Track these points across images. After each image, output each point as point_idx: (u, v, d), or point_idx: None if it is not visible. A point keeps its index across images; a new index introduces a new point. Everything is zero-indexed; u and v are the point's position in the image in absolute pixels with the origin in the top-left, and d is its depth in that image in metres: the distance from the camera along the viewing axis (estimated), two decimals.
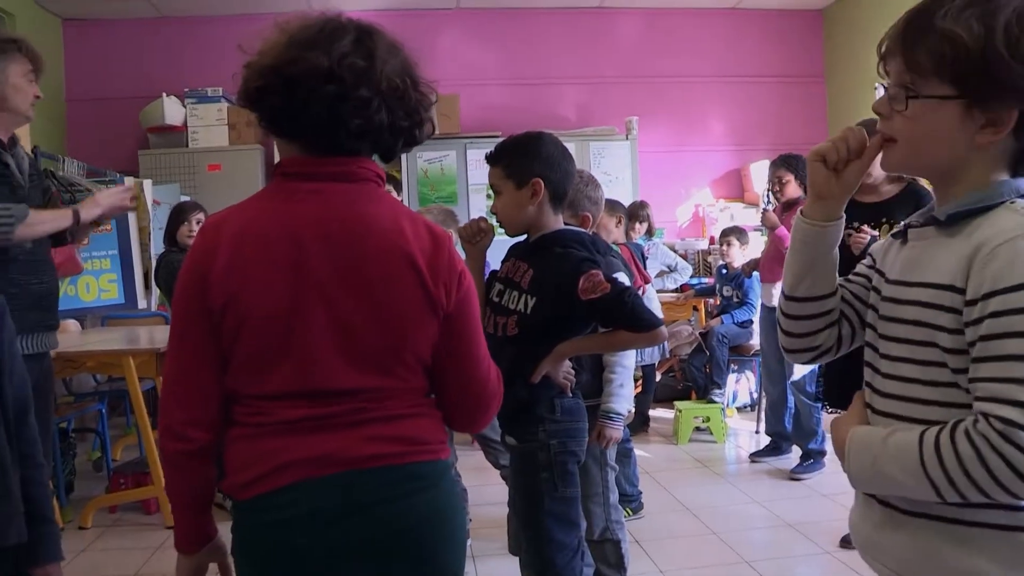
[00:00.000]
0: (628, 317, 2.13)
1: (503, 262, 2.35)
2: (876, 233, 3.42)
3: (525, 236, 2.30)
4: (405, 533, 1.37)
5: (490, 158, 2.26)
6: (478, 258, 2.36)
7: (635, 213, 5.78)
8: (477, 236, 2.34)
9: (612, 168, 6.73)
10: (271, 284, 1.33)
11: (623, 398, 2.86)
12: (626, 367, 2.88)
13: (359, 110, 1.35)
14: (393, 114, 1.39)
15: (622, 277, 2.79)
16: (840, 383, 3.58)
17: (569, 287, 2.11)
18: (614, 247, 3.63)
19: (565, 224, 2.34)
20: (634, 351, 2.90)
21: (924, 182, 3.65)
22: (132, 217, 5.19)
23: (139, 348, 4.25)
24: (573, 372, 2.25)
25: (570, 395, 2.25)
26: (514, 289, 2.24)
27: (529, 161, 2.20)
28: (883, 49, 1.20)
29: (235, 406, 1.38)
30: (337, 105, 1.34)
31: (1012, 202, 1.12)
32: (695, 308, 6.54)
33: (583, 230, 2.37)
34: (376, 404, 1.37)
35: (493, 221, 2.36)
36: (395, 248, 1.37)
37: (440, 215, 3.92)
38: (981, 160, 1.15)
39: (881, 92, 1.23)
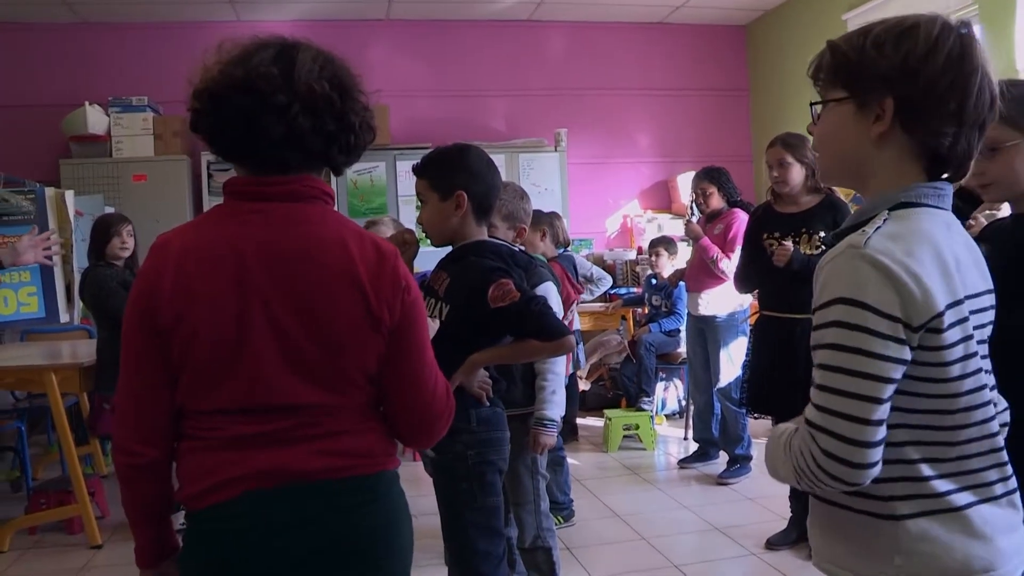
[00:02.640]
0: (534, 326, 2.16)
1: (432, 272, 2.38)
2: (791, 245, 3.53)
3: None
4: (351, 545, 1.40)
5: (417, 169, 2.28)
6: None
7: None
8: (402, 248, 2.36)
9: (541, 179, 6.80)
10: (217, 303, 1.37)
11: (556, 405, 2.90)
12: (557, 374, 2.93)
13: (278, 117, 1.37)
14: (317, 119, 1.40)
15: (546, 289, 2.84)
16: (763, 390, 3.69)
17: (479, 294, 2.14)
18: (541, 258, 3.69)
19: (494, 237, 2.38)
20: (563, 359, 2.94)
21: (841, 193, 3.80)
22: (53, 228, 5.06)
23: (61, 363, 4.15)
24: (490, 382, 2.26)
25: (487, 404, 2.26)
26: (432, 297, 2.27)
27: (454, 173, 2.23)
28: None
29: (186, 420, 1.42)
30: (256, 114, 1.37)
31: (880, 217, 1.23)
32: (623, 317, 6.64)
33: (503, 242, 2.39)
34: (323, 419, 1.40)
35: (419, 231, 2.38)
36: (338, 268, 1.39)
37: (391, 223, 3.96)
38: (886, 161, 1.26)
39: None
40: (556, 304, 2.92)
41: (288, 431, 1.38)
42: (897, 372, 1.15)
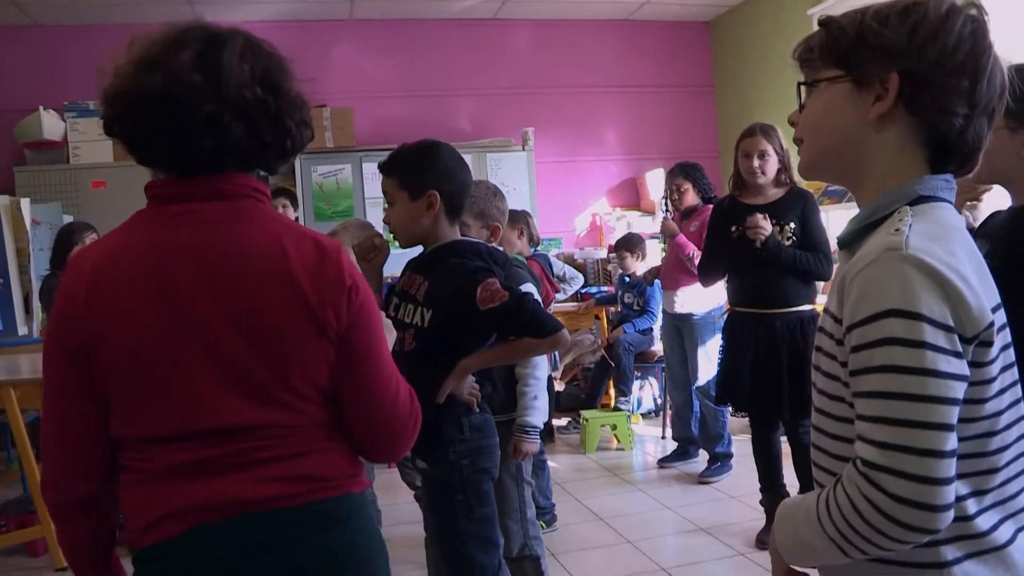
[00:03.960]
0: (529, 323, 2.09)
1: (400, 276, 2.29)
2: (768, 225, 3.45)
3: (421, 249, 2.24)
4: None
5: (384, 167, 2.18)
6: (375, 275, 2.30)
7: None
8: (371, 253, 2.29)
9: (509, 179, 6.71)
10: (137, 320, 1.23)
11: (538, 411, 2.83)
12: (539, 379, 2.85)
13: (208, 129, 1.24)
14: (252, 126, 1.28)
15: (528, 288, 2.76)
16: (739, 388, 3.64)
17: (466, 297, 2.06)
18: (520, 258, 3.61)
19: (465, 235, 2.30)
20: (545, 362, 2.87)
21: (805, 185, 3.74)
22: (8, 237, 4.90)
23: (21, 378, 4.00)
24: (478, 387, 2.19)
25: (477, 411, 2.18)
26: (410, 302, 2.18)
27: (425, 172, 2.13)
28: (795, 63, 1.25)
29: (123, 451, 1.29)
30: (182, 126, 1.24)
31: (898, 213, 1.09)
32: (596, 317, 6.58)
33: (479, 241, 2.31)
34: (272, 442, 1.26)
35: (386, 232, 2.29)
36: (273, 270, 1.26)
37: (357, 229, 3.84)
38: (885, 148, 1.13)
39: None
40: None
41: (231, 456, 1.24)
42: (962, 392, 1.00)
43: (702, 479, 4.65)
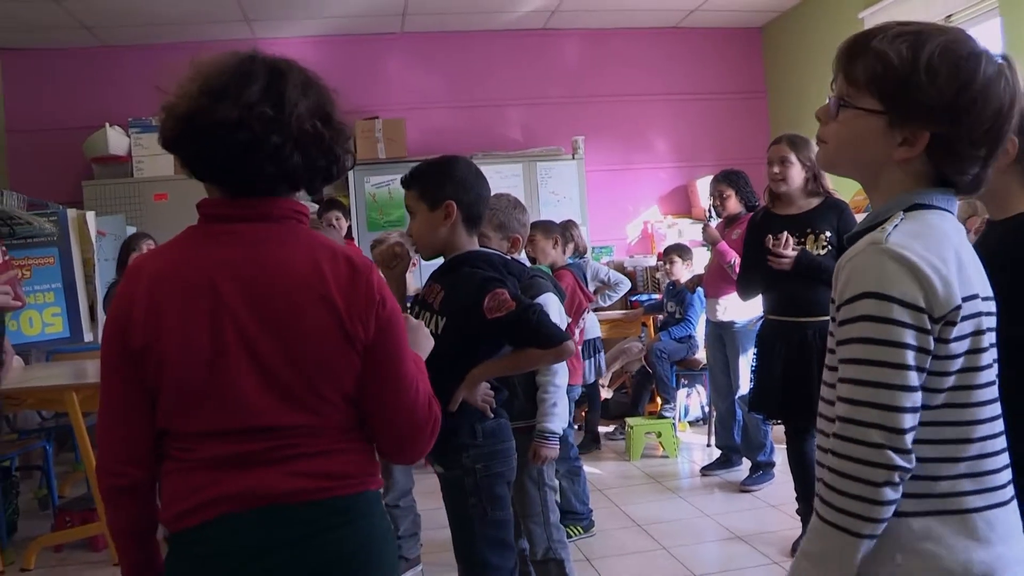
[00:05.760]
0: (533, 334, 2.15)
1: (424, 285, 2.38)
2: (791, 248, 3.46)
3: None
4: (327, 568, 1.39)
5: (405, 181, 2.28)
6: (397, 283, 2.39)
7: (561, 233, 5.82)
8: (393, 261, 2.37)
9: (560, 188, 6.78)
10: (188, 328, 1.36)
11: (557, 417, 2.88)
12: (558, 387, 2.91)
13: (272, 157, 1.38)
14: (308, 156, 1.42)
15: (547, 300, 2.82)
16: (774, 396, 3.64)
17: (474, 306, 2.13)
18: (545, 268, 3.67)
19: (485, 247, 2.37)
20: (564, 370, 2.93)
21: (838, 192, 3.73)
22: (75, 248, 5.13)
23: (83, 382, 4.19)
24: (492, 392, 2.25)
25: (491, 416, 2.25)
26: (427, 310, 2.26)
27: (442, 183, 2.22)
28: (833, 67, 1.35)
29: (168, 441, 1.42)
30: (249, 154, 1.37)
31: (893, 217, 1.24)
32: (644, 324, 6.59)
33: (494, 251, 2.38)
34: (300, 440, 1.39)
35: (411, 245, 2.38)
36: (309, 286, 1.39)
37: (402, 238, 3.95)
38: (900, 174, 1.27)
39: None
40: (558, 314, 2.92)
41: (265, 453, 1.37)
42: (925, 361, 1.17)
43: (743, 487, 4.65)
